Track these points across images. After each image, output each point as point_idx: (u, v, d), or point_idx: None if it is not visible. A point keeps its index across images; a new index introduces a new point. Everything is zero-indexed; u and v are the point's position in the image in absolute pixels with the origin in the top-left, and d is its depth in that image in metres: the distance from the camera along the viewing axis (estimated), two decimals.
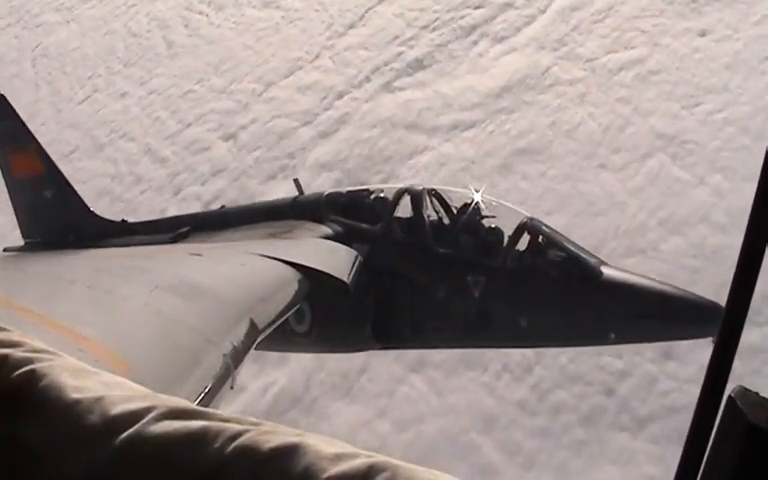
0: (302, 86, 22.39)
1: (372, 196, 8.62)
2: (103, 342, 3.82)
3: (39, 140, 10.83)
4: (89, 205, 11.00)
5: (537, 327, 7.54)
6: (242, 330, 5.46)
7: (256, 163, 20.46)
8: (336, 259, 7.79)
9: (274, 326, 6.25)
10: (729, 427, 0.61)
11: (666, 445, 13.31)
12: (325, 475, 0.79)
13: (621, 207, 17.55)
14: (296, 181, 9.83)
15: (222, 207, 10.90)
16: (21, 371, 0.90)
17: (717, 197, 16.94)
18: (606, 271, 7.37)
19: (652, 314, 7.13)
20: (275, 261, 7.23)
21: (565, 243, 7.66)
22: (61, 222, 10.50)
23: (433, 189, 8.35)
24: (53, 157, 11.01)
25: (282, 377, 15.08)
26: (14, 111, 10.40)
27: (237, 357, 5.04)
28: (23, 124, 10.44)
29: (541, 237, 7.68)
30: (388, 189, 8.60)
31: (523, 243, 7.73)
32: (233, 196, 19.43)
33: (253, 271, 7.01)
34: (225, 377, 4.68)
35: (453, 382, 14.92)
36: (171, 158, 20.99)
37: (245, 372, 14.97)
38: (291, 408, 14.18)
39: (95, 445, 0.84)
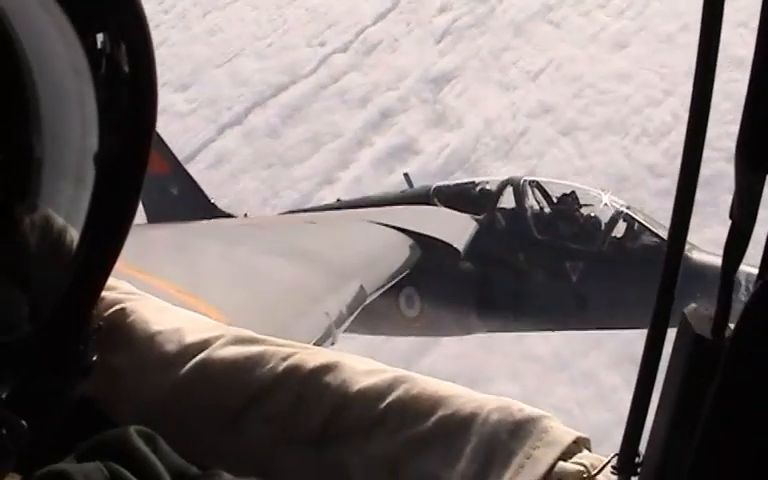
0: None
1: (477, 188, 9.11)
2: (210, 302, 4.09)
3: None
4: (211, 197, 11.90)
5: (630, 310, 7.85)
6: (350, 293, 5.62)
7: None
8: (451, 227, 8.06)
9: (383, 290, 6.45)
10: (680, 341, 0.64)
11: None
12: (357, 386, 0.92)
13: None
14: (406, 175, 10.49)
15: (338, 200, 11.42)
16: (114, 309, 1.01)
17: None
18: (695, 255, 7.61)
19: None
20: (387, 227, 7.46)
21: (658, 230, 7.98)
22: (188, 217, 11.01)
23: (534, 180, 8.86)
24: None
25: (455, 139, 16.96)
26: None
27: (341, 318, 5.17)
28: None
29: (636, 225, 8.13)
30: (492, 181, 9.14)
31: (619, 231, 8.18)
32: None
33: (364, 237, 7.22)
34: (326, 337, 4.86)
35: (596, 145, 16.28)
36: None
37: (424, 136, 17.92)
38: (457, 169, 16.67)
39: (172, 368, 0.97)
